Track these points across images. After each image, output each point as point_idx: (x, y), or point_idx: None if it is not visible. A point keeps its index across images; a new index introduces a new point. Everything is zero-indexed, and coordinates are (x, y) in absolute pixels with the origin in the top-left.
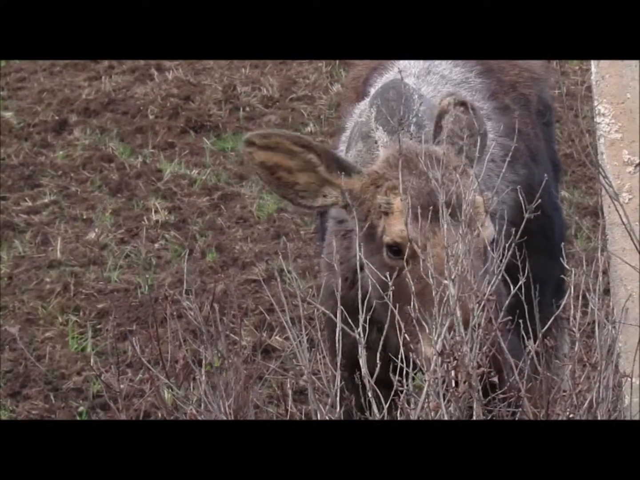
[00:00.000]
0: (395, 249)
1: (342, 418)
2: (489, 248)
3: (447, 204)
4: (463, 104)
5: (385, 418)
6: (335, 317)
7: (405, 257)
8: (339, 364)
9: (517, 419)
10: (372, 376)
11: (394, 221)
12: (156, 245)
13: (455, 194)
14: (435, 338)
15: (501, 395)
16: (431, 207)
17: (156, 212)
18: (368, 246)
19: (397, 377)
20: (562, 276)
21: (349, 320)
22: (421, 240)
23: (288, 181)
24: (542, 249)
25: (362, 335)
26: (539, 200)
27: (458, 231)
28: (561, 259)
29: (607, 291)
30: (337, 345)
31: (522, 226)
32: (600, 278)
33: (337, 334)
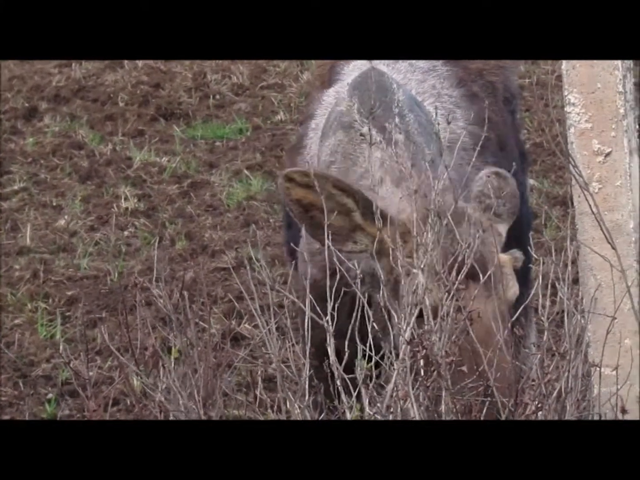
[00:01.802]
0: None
1: (310, 406)
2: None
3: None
4: (497, 173)
5: (354, 407)
6: (317, 307)
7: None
8: (307, 352)
9: (485, 407)
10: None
11: (414, 282)
12: (126, 232)
13: (480, 253)
14: (404, 327)
15: (470, 385)
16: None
17: (126, 199)
18: (392, 298)
19: (364, 364)
20: (530, 265)
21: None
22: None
23: (320, 222)
24: (510, 238)
25: (330, 323)
26: (508, 190)
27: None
28: (529, 248)
29: (576, 281)
30: (307, 333)
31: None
32: (570, 267)
33: (306, 322)
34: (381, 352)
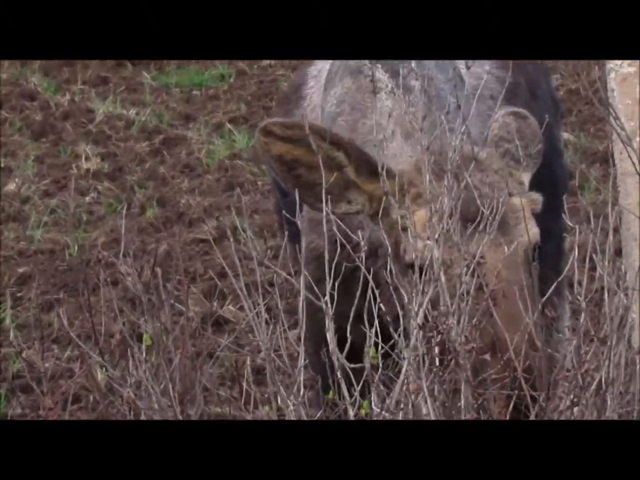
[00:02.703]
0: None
1: (306, 402)
2: (530, 257)
3: (482, 214)
4: (515, 113)
5: (357, 402)
6: (315, 287)
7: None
8: (302, 338)
9: (511, 403)
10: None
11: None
12: (87, 198)
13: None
14: (416, 309)
15: (494, 376)
16: (462, 219)
17: (87, 159)
18: (396, 265)
19: (369, 354)
20: (564, 235)
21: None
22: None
23: (307, 181)
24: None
25: (329, 305)
26: (542, 141)
27: (493, 244)
28: (563, 214)
29: (618, 252)
30: (302, 316)
31: (518, 174)
32: (611, 237)
33: (300, 302)
34: (391, 341)
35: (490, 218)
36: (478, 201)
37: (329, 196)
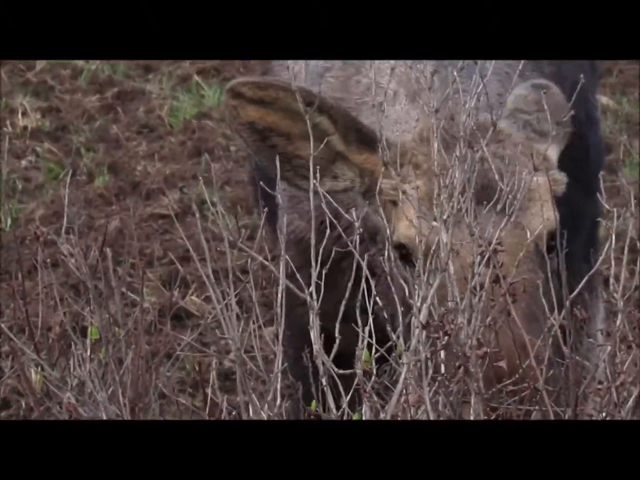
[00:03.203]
0: (404, 253)
1: (284, 415)
2: (544, 246)
3: (487, 188)
4: (535, 85)
5: (346, 416)
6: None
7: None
8: (280, 336)
9: (532, 419)
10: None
11: (402, 214)
12: (23, 162)
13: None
14: (419, 304)
15: (510, 387)
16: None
17: (24, 114)
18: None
19: (361, 357)
20: (598, 219)
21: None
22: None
23: (285, 152)
24: (572, 179)
25: (314, 297)
26: (572, 111)
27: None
28: (598, 194)
29: None
30: (281, 310)
31: (547, 146)
32: None
33: (279, 294)
34: (388, 343)
35: (506, 198)
36: (493, 176)
37: (317, 167)
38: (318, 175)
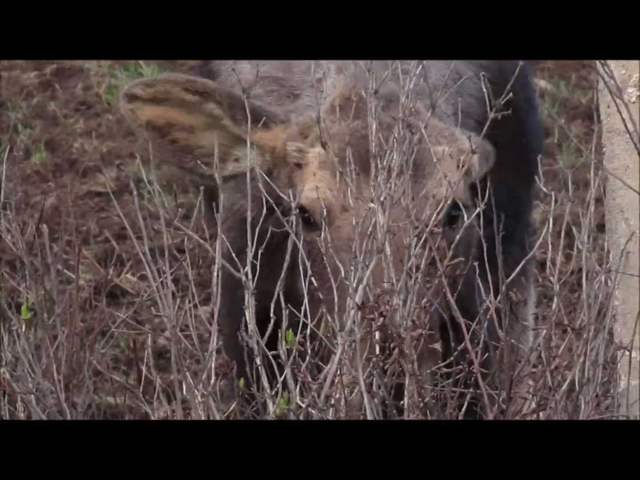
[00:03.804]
0: (307, 217)
1: (217, 394)
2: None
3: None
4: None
5: (280, 395)
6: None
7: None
8: (216, 314)
9: (465, 402)
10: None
11: (306, 177)
12: None
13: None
14: (354, 284)
15: (445, 369)
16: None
17: None
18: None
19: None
20: (535, 202)
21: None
22: (339, 202)
23: (188, 144)
24: (511, 162)
25: (250, 277)
26: (510, 95)
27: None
28: (536, 177)
29: (601, 227)
30: (217, 289)
31: (484, 130)
32: (592, 208)
33: (215, 272)
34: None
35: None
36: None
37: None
38: (220, 160)
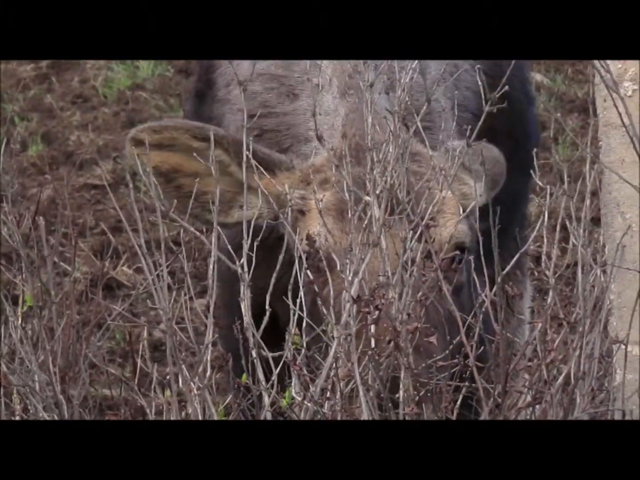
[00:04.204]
0: (312, 261)
1: (213, 387)
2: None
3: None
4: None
5: (275, 388)
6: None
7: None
8: (212, 306)
9: (461, 395)
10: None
11: (310, 222)
12: None
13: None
14: (350, 278)
15: (440, 363)
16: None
17: None
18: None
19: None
20: (530, 196)
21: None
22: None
23: (192, 191)
24: (510, 156)
25: (245, 269)
26: (506, 87)
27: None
28: (532, 171)
29: (597, 221)
30: (212, 282)
31: (479, 123)
32: (588, 202)
33: (211, 264)
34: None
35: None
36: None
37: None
38: (226, 208)
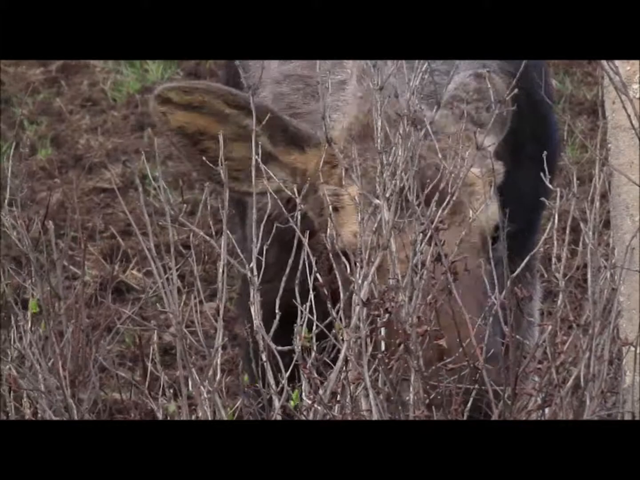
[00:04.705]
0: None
1: (223, 390)
2: (489, 241)
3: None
4: (476, 74)
5: (285, 390)
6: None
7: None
8: (221, 312)
9: (471, 398)
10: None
11: (344, 220)
12: None
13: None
14: (360, 281)
15: (450, 366)
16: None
17: None
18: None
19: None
20: (541, 198)
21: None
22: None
23: (217, 155)
24: (534, 158)
25: (255, 272)
26: (515, 90)
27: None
28: (541, 173)
29: (606, 223)
30: (222, 285)
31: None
32: (597, 204)
33: (221, 268)
34: (328, 319)
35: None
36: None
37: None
38: (249, 177)
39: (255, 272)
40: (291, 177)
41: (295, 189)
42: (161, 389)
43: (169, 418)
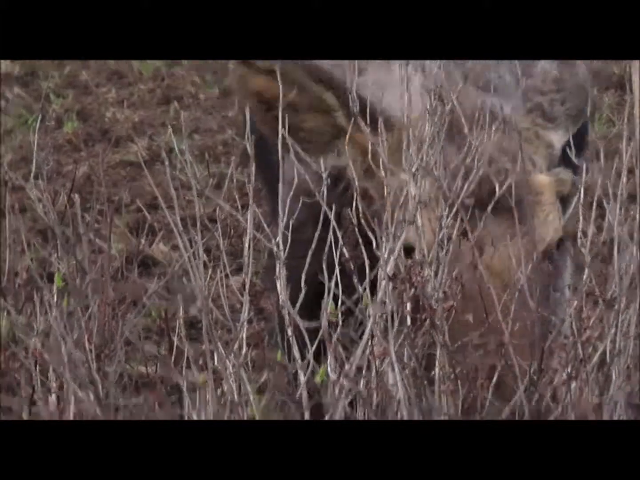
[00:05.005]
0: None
1: (249, 364)
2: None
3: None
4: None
5: (310, 366)
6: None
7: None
8: (247, 286)
9: (497, 374)
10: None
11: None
12: None
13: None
14: (386, 256)
15: (475, 342)
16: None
17: None
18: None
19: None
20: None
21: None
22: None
23: (290, 123)
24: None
25: (281, 247)
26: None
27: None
28: (567, 149)
29: (632, 197)
30: (249, 259)
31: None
32: (624, 179)
33: (247, 243)
34: (354, 295)
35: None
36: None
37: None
38: (321, 149)
39: (281, 247)
40: (361, 156)
41: (322, 166)
42: (186, 362)
43: (199, 389)
